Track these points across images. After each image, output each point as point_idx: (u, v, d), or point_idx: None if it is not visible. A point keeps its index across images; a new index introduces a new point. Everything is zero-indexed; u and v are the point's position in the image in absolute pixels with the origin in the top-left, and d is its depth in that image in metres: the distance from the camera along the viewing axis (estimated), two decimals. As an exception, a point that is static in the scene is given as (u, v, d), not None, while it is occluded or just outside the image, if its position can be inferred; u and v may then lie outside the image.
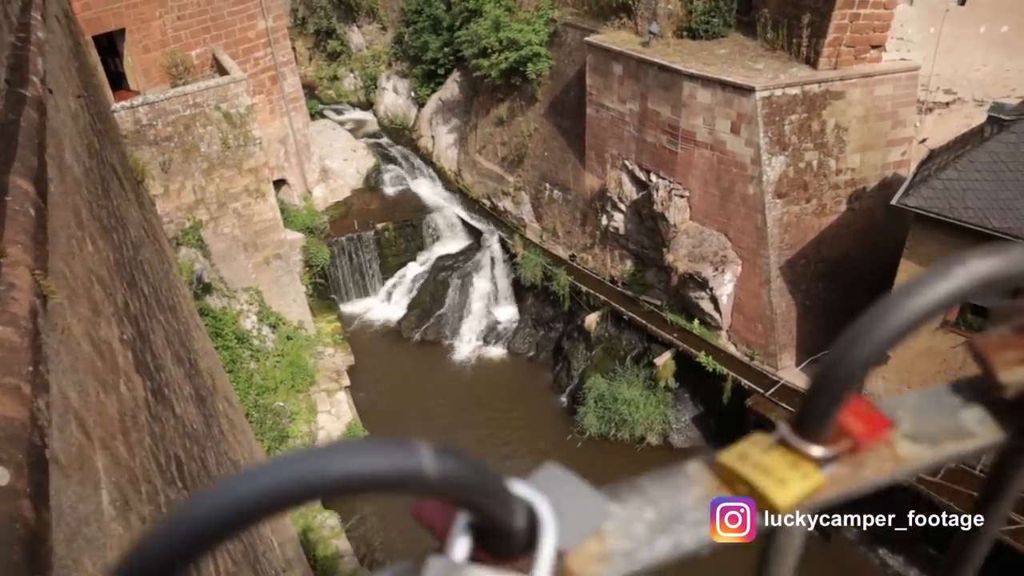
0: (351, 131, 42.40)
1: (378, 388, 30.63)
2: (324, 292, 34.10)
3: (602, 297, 29.78)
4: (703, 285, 25.80)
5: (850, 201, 25.15)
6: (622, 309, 29.00)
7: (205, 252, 26.03)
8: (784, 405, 24.45)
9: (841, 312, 26.29)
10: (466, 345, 33.53)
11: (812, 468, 0.66)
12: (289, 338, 29.20)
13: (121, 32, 25.97)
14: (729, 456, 0.68)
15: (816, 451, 0.66)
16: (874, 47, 24.35)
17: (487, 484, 0.58)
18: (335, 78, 46.43)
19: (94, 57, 23.87)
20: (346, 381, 29.81)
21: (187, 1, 27.34)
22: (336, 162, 38.39)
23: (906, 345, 21.56)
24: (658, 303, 28.49)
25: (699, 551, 0.63)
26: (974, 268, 0.62)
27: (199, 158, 24.75)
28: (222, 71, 26.65)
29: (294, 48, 37.43)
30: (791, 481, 0.65)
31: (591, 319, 29.69)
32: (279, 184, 33.09)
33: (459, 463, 0.56)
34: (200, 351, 16.47)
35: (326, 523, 24.25)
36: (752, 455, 0.69)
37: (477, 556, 0.61)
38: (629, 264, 29.91)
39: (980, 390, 0.71)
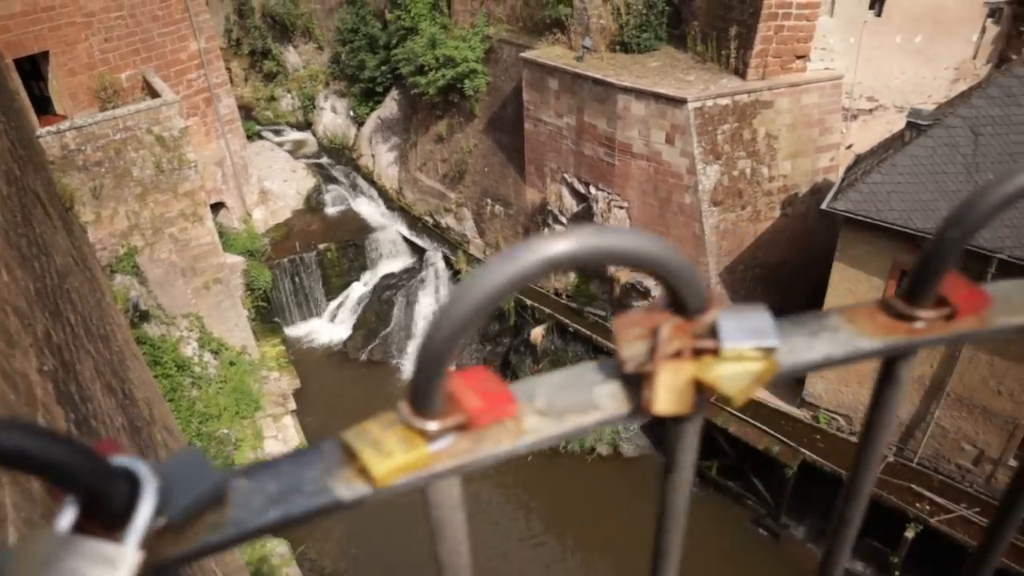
0: (290, 152, 42.02)
1: (326, 411, 30.20)
2: (267, 315, 33.53)
3: (547, 310, 29.96)
4: (645, 294, 26.16)
5: (783, 207, 25.85)
6: (567, 321, 29.22)
7: (141, 279, 25.39)
8: (729, 409, 24.88)
9: (779, 315, 26.91)
10: (410, 363, 33.22)
11: (420, 442, 0.71)
12: (232, 364, 28.61)
13: (45, 55, 25.27)
14: (351, 432, 0.73)
15: (428, 426, 0.71)
16: (799, 57, 25.15)
17: (64, 456, 0.59)
18: (272, 99, 45.98)
19: (15, 81, 23.14)
20: (292, 405, 29.31)
21: (115, 23, 26.75)
22: (275, 183, 37.93)
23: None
24: (603, 314, 28.78)
25: (310, 519, 0.68)
26: (540, 251, 0.68)
27: (132, 183, 24.17)
28: (153, 94, 26.14)
29: (229, 69, 36.98)
30: (395, 454, 0.70)
31: (537, 332, 29.83)
32: (217, 207, 32.52)
33: (30, 437, 0.57)
34: (136, 380, 16.03)
35: (275, 551, 23.76)
36: (372, 431, 0.72)
37: (84, 527, 0.61)
38: (572, 277, 30.16)
39: (614, 366, 0.77)
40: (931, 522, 21.08)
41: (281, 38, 45.44)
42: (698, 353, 0.72)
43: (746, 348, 0.73)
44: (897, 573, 22.21)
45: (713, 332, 0.73)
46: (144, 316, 24.64)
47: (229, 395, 27.34)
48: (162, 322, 26.00)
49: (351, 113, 43.01)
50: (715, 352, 0.72)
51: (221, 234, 30.09)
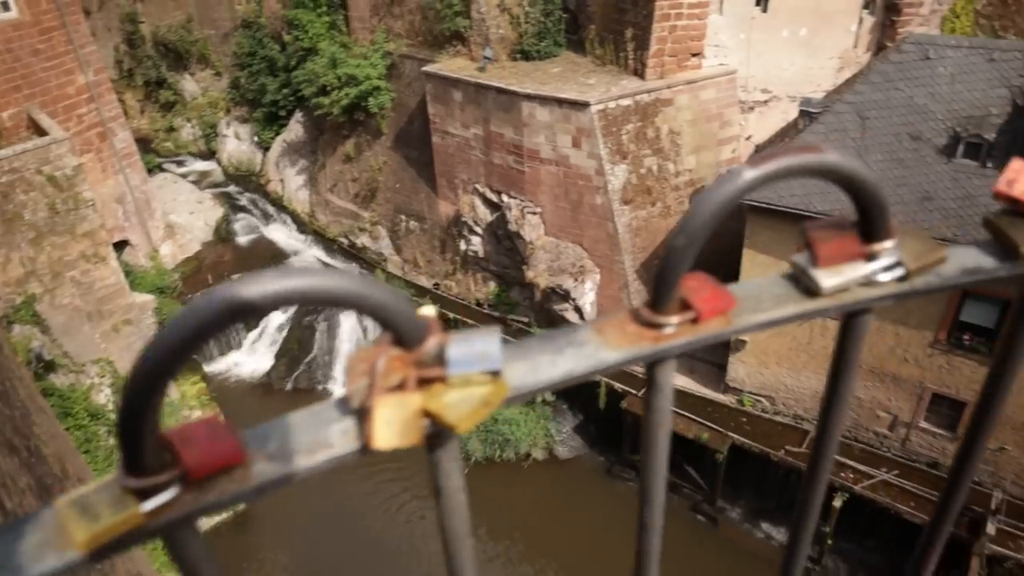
0: (195, 182, 40.85)
1: (253, 445, 29.34)
2: (184, 353, 32.41)
3: (470, 321, 29.90)
4: (565, 297, 26.43)
5: (691, 200, 26.49)
6: (491, 330, 29.21)
7: (43, 327, 24.19)
8: (656, 402, 25.30)
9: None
10: (340, 388, 32.66)
11: (132, 502, 0.70)
12: (150, 406, 27.52)
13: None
14: (64, 499, 0.71)
15: (143, 483, 0.72)
16: (694, 55, 25.91)
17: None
18: (172, 129, 44.60)
19: None
20: (218, 443, 28.38)
21: (-8, 60, 25.55)
22: (182, 216, 36.80)
23: (758, 329, 22.99)
24: (525, 320, 28.94)
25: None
26: (226, 298, 0.69)
27: (24, 227, 23.05)
28: (41, 132, 25.01)
29: (122, 101, 35.74)
30: (102, 517, 0.69)
31: (462, 344, 29.71)
32: (121, 245, 31.32)
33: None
34: (44, 435, 15.26)
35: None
36: (88, 495, 0.71)
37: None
38: (493, 286, 30.25)
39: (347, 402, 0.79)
40: (856, 489, 21.93)
41: (176, 66, 44.17)
42: (426, 382, 0.72)
43: (473, 373, 0.73)
44: (829, 542, 22.98)
45: (441, 360, 0.73)
46: (49, 366, 23.47)
47: (148, 439, 26.29)
48: (70, 371, 24.82)
49: (256, 138, 42.14)
50: (443, 380, 0.72)
51: (127, 273, 29.00)
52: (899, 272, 0.96)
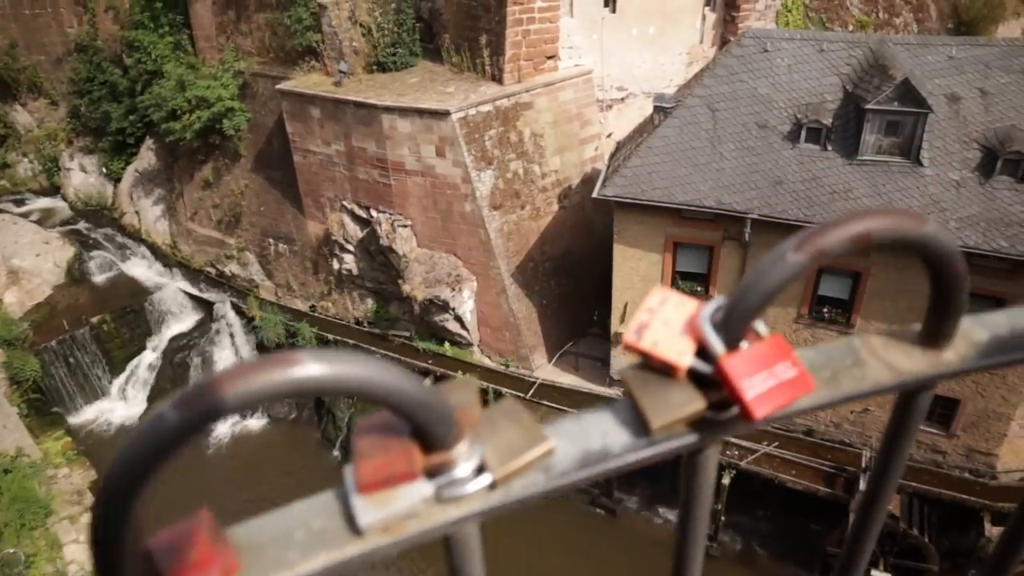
0: (38, 222, 37.90)
1: (131, 497, 27.51)
2: (43, 407, 30.02)
3: (351, 341, 29.21)
4: (445, 307, 26.20)
5: (560, 200, 26.89)
6: (372, 348, 28.63)
7: None
8: (546, 403, 25.52)
9: (575, 302, 28.07)
10: (222, 425, 31.21)
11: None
12: (7, 471, 25.28)
13: None
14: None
15: None
16: (549, 58, 26.26)
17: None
18: (6, 165, 41.16)
19: None
20: (91, 500, 26.42)
21: None
22: (27, 260, 34.04)
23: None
24: (407, 334, 28.51)
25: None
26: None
27: None
28: None
29: (-56, 141, 32.75)
30: None
31: (345, 365, 28.94)
32: (-44, 298, 28.66)
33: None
34: None
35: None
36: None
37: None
38: (370, 303, 29.63)
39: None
40: (741, 465, 22.82)
41: (3, 96, 40.75)
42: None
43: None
44: (723, 518, 23.82)
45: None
46: None
47: (8, 508, 24.13)
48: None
49: (104, 170, 39.57)
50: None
51: (-33, 328, 26.57)
52: (484, 481, 0.77)
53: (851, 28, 32.40)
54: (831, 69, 20.44)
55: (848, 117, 19.74)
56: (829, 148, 19.80)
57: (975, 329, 0.96)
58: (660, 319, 0.86)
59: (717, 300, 0.85)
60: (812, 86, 20.47)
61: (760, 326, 0.86)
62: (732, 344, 0.84)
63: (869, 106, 18.62)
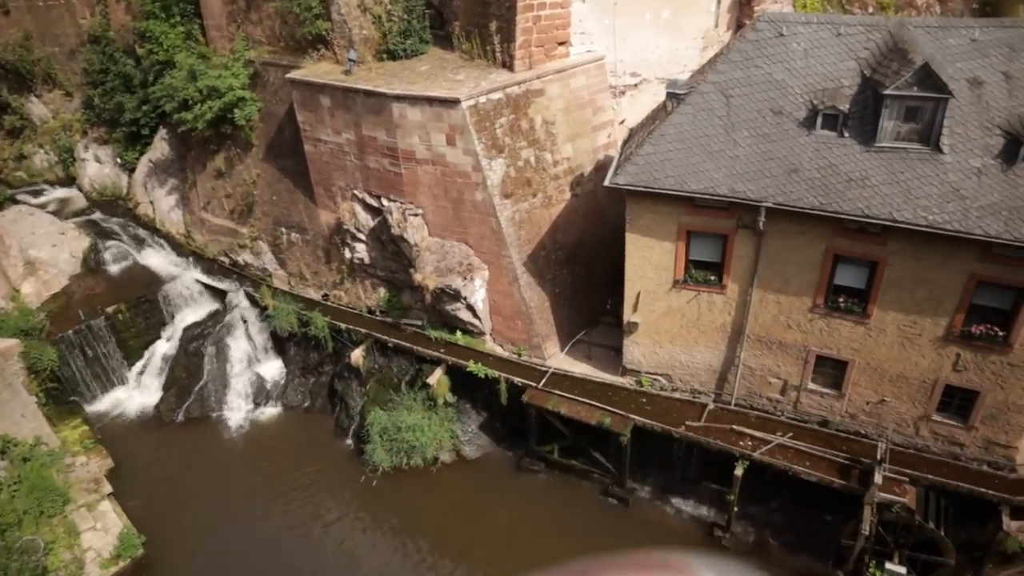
0: (55, 213, 38.22)
1: (149, 485, 27.76)
2: (61, 396, 30.33)
3: (363, 330, 29.17)
4: (456, 296, 26.06)
5: (572, 188, 26.61)
6: (385, 337, 28.60)
7: None
8: (558, 392, 25.38)
9: (588, 291, 27.85)
10: (236, 413, 31.38)
11: None
12: (26, 460, 25.57)
13: None
14: None
15: None
16: (560, 44, 25.91)
17: None
18: (22, 157, 41.46)
19: None
20: (108, 488, 26.69)
21: None
22: (43, 250, 34.30)
23: (649, 309, 23.02)
24: (419, 323, 28.41)
25: None
26: None
27: None
28: None
29: (-40, 132, 32.96)
30: None
31: (357, 354, 28.96)
32: (-27, 289, 28.91)
33: None
34: None
35: None
36: None
37: None
38: (383, 292, 29.55)
39: None
40: (755, 456, 22.57)
41: (19, 88, 40.98)
42: None
43: None
44: (736, 509, 23.61)
45: None
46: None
47: (27, 496, 24.41)
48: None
49: (118, 160, 39.71)
50: None
51: (-16, 318, 26.81)
52: None
53: (871, 10, 31.71)
54: (849, 53, 19.95)
55: (866, 103, 19.27)
56: (846, 135, 19.35)
57: None
58: None
59: None
60: (829, 71, 19.99)
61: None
62: None
63: (887, 91, 18.14)
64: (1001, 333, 19.19)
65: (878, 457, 21.25)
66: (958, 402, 20.97)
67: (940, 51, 18.86)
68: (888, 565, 21.27)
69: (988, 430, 20.89)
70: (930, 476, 21.29)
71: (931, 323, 19.91)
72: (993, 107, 18.34)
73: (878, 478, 20.68)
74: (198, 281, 34.39)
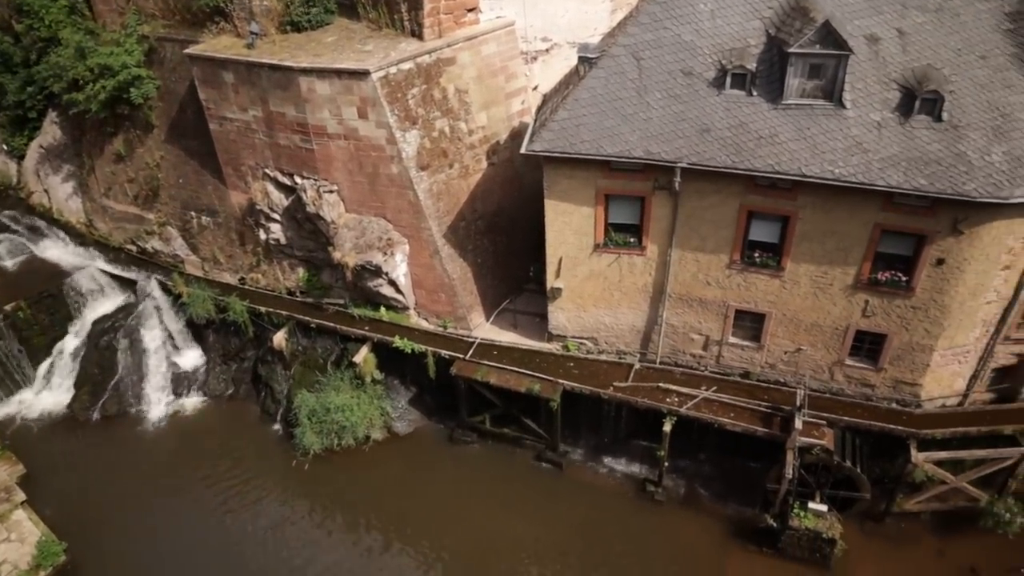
0: (-65, 207, 35.71)
1: (67, 489, 26.62)
2: (-39, 403, 28.68)
3: (284, 312, 28.47)
4: (378, 272, 25.66)
5: (489, 157, 26.41)
6: (307, 318, 28.01)
7: None
8: (486, 362, 25.41)
9: (510, 259, 27.85)
10: (156, 406, 30.31)
11: None
12: (-74, 473, 24.13)
13: None
14: None
15: None
16: (470, 10, 25.46)
17: None
18: None
19: None
20: (21, 496, 25.47)
21: None
22: (-76, 251, 32.11)
23: (571, 274, 23.17)
24: (341, 302, 27.90)
25: None
26: None
27: None
28: None
29: None
30: None
31: (279, 337, 28.28)
32: None
33: None
34: None
35: None
36: None
37: None
38: (301, 272, 28.85)
39: None
40: (682, 411, 23.20)
41: None
42: None
43: None
44: (666, 464, 24.29)
45: None
46: None
47: (-71, 513, 23.10)
48: None
49: (4, 147, 37.22)
50: None
51: None
52: None
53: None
54: (753, 13, 20.29)
55: (772, 61, 19.69)
56: (754, 93, 19.75)
57: None
58: None
59: None
60: (735, 31, 20.31)
61: None
62: None
63: (792, 50, 18.57)
64: (904, 278, 20.16)
65: (797, 404, 22.15)
66: (868, 346, 22.01)
67: (839, 8, 19.40)
68: (811, 504, 22.35)
69: (896, 370, 22.02)
70: (845, 418, 22.39)
71: (841, 272, 20.73)
72: (890, 62, 19.03)
73: (798, 423, 21.58)
74: (105, 272, 32.79)
